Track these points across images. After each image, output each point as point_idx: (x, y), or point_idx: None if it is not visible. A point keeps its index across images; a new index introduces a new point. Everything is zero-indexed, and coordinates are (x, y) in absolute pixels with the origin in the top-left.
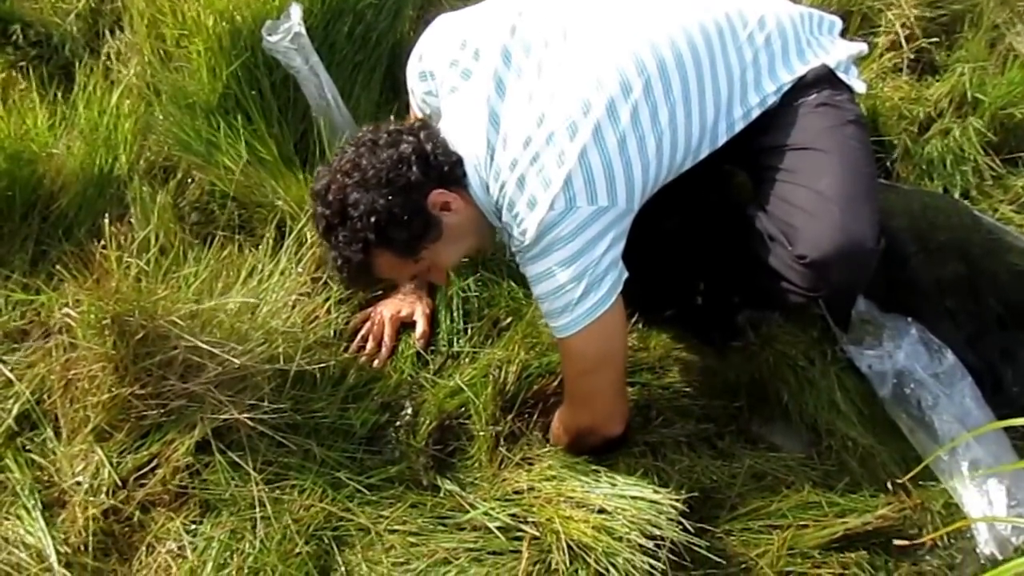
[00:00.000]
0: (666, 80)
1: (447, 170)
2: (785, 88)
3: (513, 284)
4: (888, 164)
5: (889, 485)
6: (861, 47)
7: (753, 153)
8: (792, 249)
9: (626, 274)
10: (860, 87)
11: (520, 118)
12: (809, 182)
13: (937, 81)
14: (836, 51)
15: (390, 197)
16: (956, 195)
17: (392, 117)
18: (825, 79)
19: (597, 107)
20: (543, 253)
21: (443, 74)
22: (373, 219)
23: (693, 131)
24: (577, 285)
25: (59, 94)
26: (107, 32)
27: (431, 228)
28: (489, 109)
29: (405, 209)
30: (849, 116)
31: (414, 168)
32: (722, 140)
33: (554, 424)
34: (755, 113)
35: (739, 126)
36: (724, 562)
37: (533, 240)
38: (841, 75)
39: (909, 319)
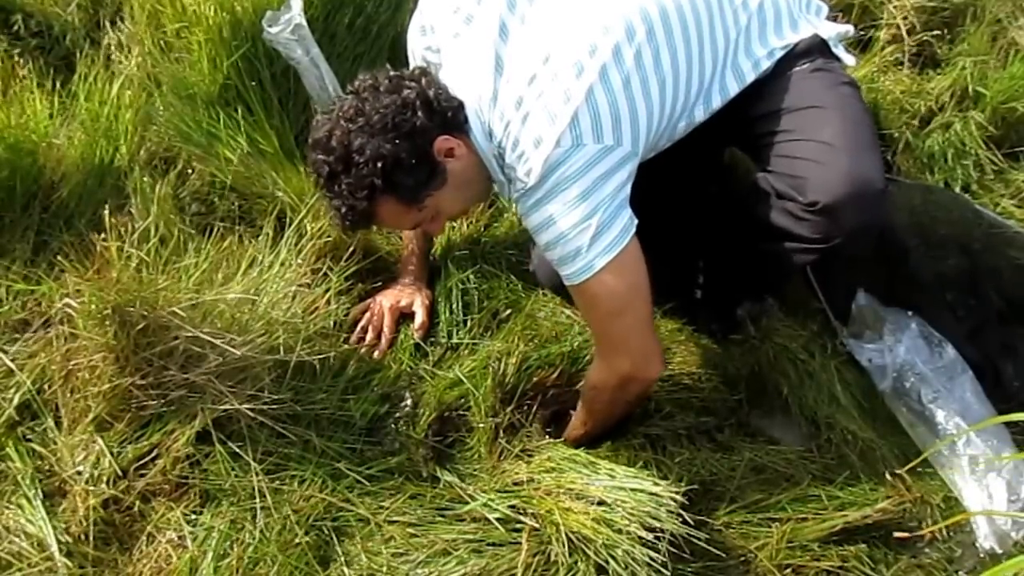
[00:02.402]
0: (668, 27)
1: (450, 116)
2: (777, 54)
3: (512, 276)
4: (889, 158)
5: (888, 477)
6: (848, 28)
7: (751, 121)
8: (803, 199)
9: (636, 220)
10: (850, 60)
11: (525, 59)
12: (812, 135)
13: (938, 75)
14: (825, 27)
15: (396, 142)
16: (957, 189)
17: (388, 66)
18: (817, 49)
19: (603, 49)
20: (549, 195)
21: (445, 22)
22: (380, 164)
23: (693, 81)
24: (588, 226)
25: (60, 84)
26: (108, 22)
27: (436, 175)
28: (494, 52)
29: (412, 154)
30: (844, 79)
31: (419, 113)
32: (716, 101)
33: (575, 417)
34: (748, 76)
35: (733, 89)
36: (723, 555)
37: (538, 180)
38: (832, 48)
39: (910, 313)
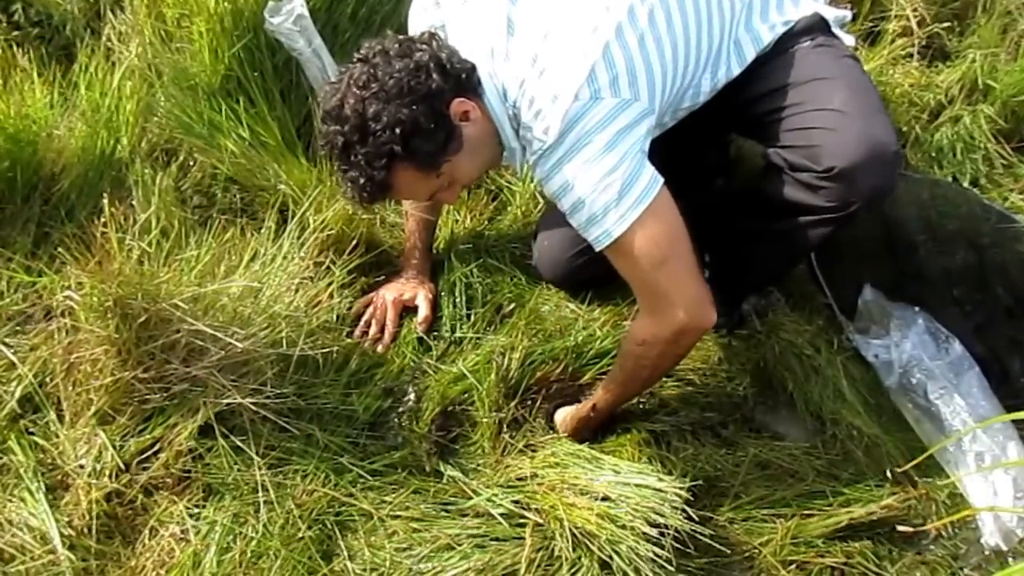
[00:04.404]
0: None
1: (464, 78)
2: (779, 30)
3: (516, 270)
4: None
5: (891, 473)
6: (846, 13)
7: (757, 100)
8: (818, 167)
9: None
10: (849, 40)
11: (537, 18)
12: (822, 104)
13: (948, 67)
14: (824, 9)
15: (414, 106)
16: (965, 183)
17: (390, 33)
18: (817, 27)
19: (618, 9)
20: (570, 153)
21: None
22: (398, 130)
23: (702, 47)
24: (613, 180)
25: (60, 74)
26: (108, 12)
27: (453, 139)
28: (504, 14)
29: (429, 118)
30: (846, 53)
31: (434, 76)
32: (721, 74)
33: (602, 386)
34: (749, 53)
35: (735, 64)
36: (727, 550)
37: (557, 137)
38: (832, 28)
39: (916, 308)
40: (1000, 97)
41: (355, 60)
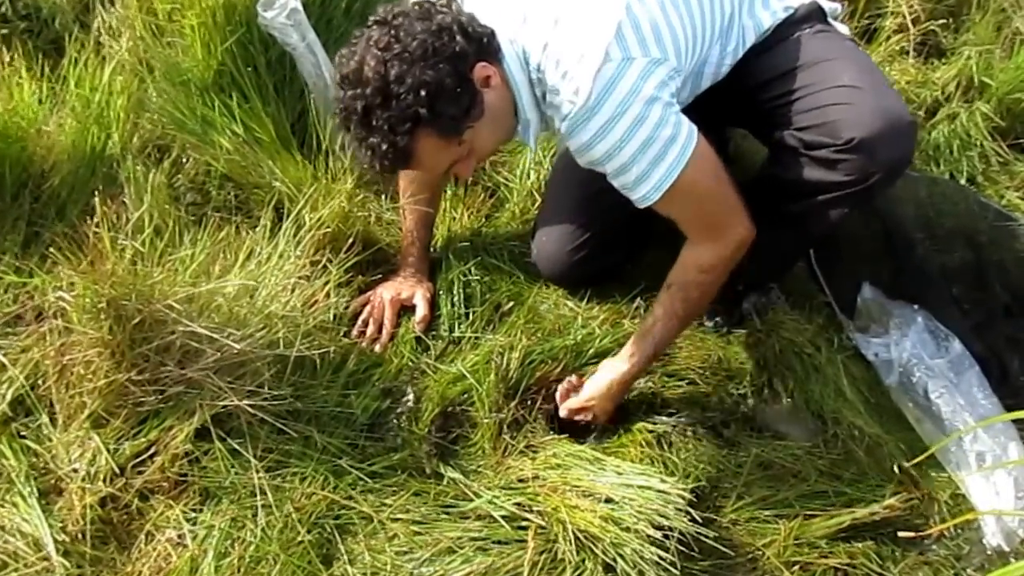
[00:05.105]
0: None
1: (485, 42)
2: (780, 16)
3: (515, 268)
4: None
5: (896, 471)
6: (837, 6)
7: (762, 87)
8: (837, 141)
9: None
10: (845, 30)
11: None
12: (833, 83)
13: (943, 64)
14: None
15: (440, 66)
16: (962, 181)
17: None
18: (815, 16)
19: None
20: (612, 120)
21: None
22: (424, 93)
23: (716, 17)
24: (659, 136)
25: (49, 69)
26: (98, 5)
27: (475, 104)
28: None
29: (455, 81)
30: (846, 38)
31: (457, 38)
32: (730, 51)
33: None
34: (750, 38)
35: (740, 50)
36: (731, 552)
37: (594, 102)
38: (828, 19)
39: (916, 307)
40: (996, 94)
41: (371, 24)
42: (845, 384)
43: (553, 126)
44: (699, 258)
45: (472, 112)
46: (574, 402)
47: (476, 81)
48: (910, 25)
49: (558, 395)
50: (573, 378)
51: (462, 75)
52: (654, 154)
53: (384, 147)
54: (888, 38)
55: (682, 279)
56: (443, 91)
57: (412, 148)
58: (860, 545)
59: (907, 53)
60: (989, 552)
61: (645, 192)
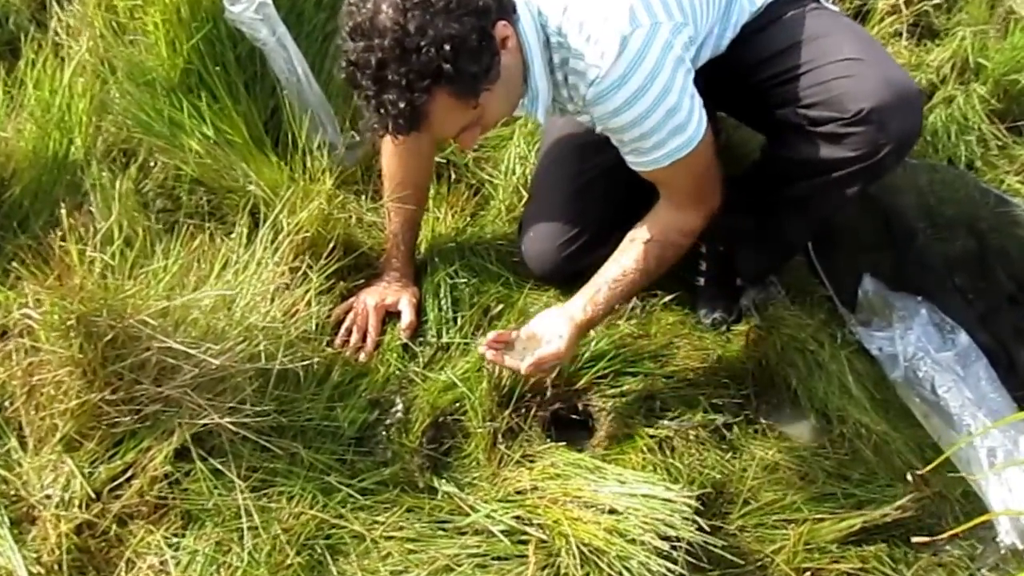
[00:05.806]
0: None
1: (504, 1)
2: None
3: (503, 268)
4: None
5: (909, 477)
6: None
7: (762, 65)
8: (845, 114)
9: None
10: (836, 10)
11: None
12: (834, 57)
13: (938, 46)
14: None
15: (464, 19)
16: (961, 167)
17: None
18: None
19: None
20: (644, 87)
21: None
22: (447, 47)
23: None
24: (682, 104)
25: (5, 72)
26: (54, 3)
27: (494, 65)
28: None
29: (480, 36)
30: (842, 15)
31: None
32: (731, 25)
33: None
34: (747, 9)
35: (739, 23)
36: (741, 561)
37: (624, 70)
38: None
39: (919, 298)
40: (992, 76)
41: None
42: (850, 380)
43: (564, 95)
44: (683, 222)
45: (491, 72)
46: (545, 353)
47: (497, 40)
48: (902, 6)
49: (502, 357)
50: (518, 333)
51: (485, 31)
52: (677, 122)
53: (402, 104)
54: (881, 20)
55: (662, 238)
56: (466, 46)
57: (428, 108)
58: (872, 548)
59: (900, 35)
60: (1003, 551)
61: (655, 157)
